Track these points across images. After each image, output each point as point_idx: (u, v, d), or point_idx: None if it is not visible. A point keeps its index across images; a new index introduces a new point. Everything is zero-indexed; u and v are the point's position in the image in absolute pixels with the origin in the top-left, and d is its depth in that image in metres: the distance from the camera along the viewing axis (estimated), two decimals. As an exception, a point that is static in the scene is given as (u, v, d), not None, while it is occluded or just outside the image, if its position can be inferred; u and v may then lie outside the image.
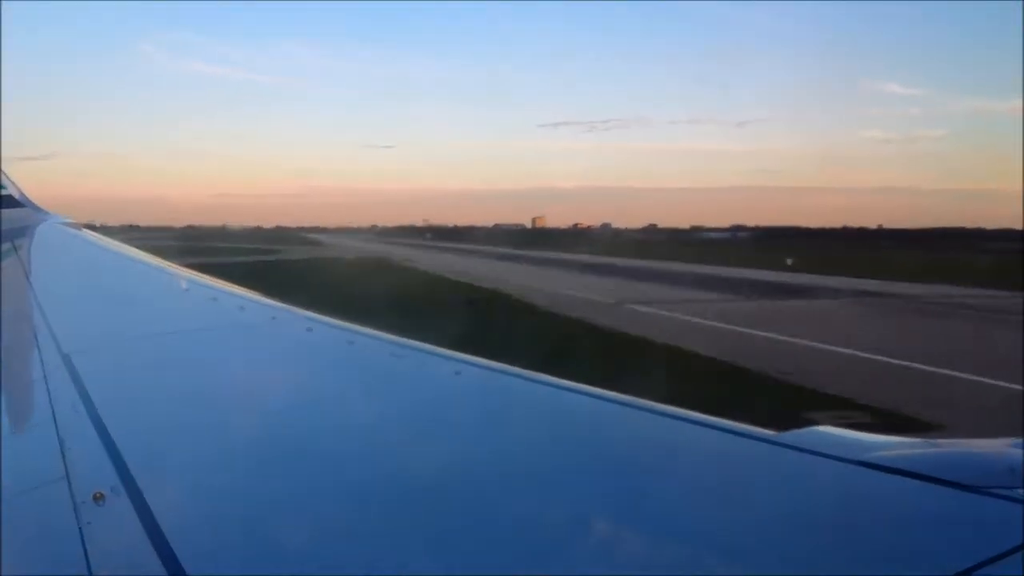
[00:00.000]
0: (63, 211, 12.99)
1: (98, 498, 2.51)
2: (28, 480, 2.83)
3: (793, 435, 2.39)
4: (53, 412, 3.52)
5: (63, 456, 2.96)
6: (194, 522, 2.38)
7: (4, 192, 12.09)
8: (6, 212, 11.83)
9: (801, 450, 2.30)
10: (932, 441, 2.22)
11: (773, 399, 18.00)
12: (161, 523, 2.29)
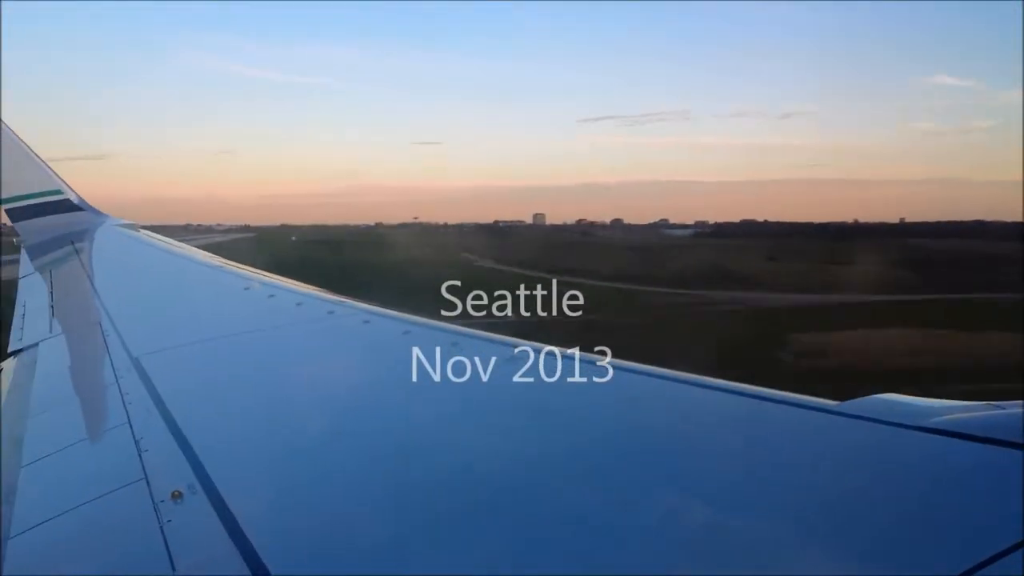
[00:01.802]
0: (112, 209, 13.23)
1: (176, 496, 2.60)
2: (108, 482, 2.94)
3: (855, 404, 2.38)
4: (127, 414, 3.64)
5: (140, 457, 3.07)
6: (272, 518, 2.45)
7: (63, 197, 12.45)
8: (67, 217, 12.19)
9: (864, 419, 2.30)
10: (994, 404, 2.19)
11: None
12: (239, 519, 2.37)
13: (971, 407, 2.21)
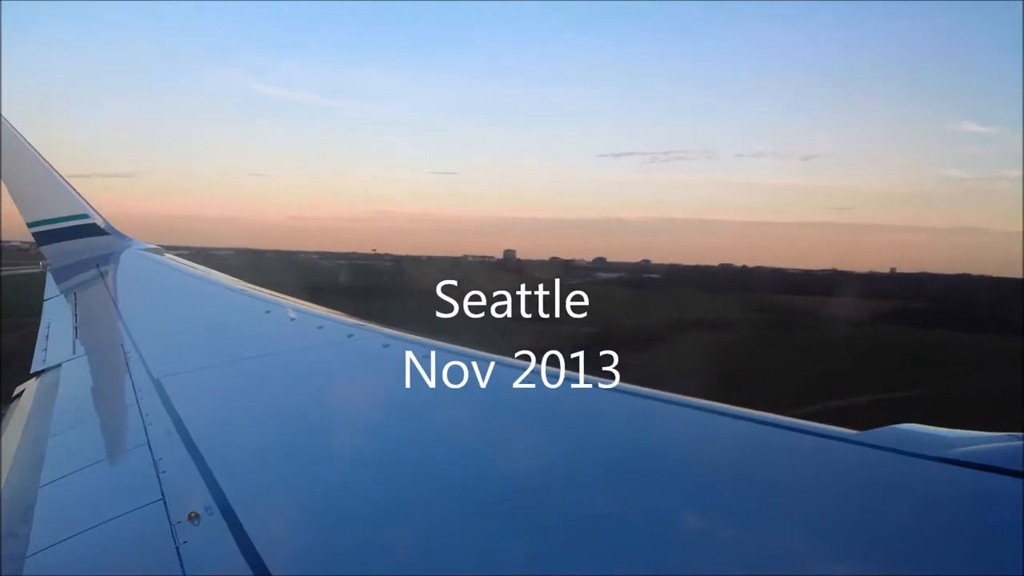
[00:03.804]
0: (141, 227, 13.33)
1: (193, 518, 2.62)
2: (126, 502, 2.95)
3: (875, 433, 2.36)
4: (147, 436, 3.66)
5: (158, 478, 3.08)
6: (289, 540, 2.46)
7: (89, 221, 12.64)
8: (93, 241, 12.36)
9: (884, 449, 2.28)
10: (1015, 435, 2.17)
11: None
12: (256, 541, 2.38)
13: (992, 438, 2.18)
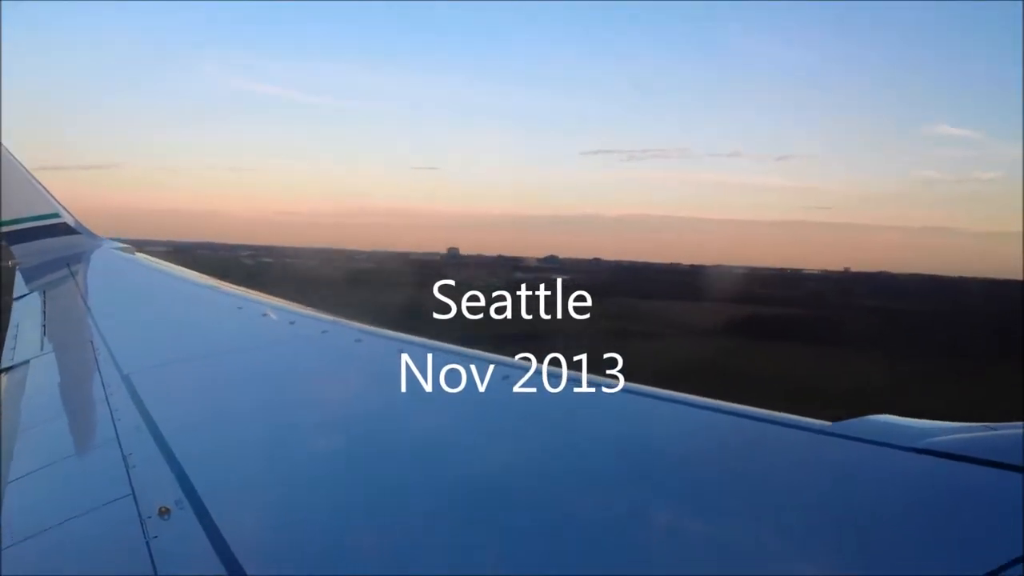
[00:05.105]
0: (117, 219, 13.22)
1: (163, 512, 2.58)
2: (96, 498, 2.91)
3: (848, 424, 2.37)
4: (116, 431, 3.62)
5: (128, 473, 3.05)
6: (259, 534, 2.43)
7: (60, 220, 12.51)
8: (64, 240, 12.23)
9: (857, 439, 2.29)
10: (988, 425, 2.18)
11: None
12: (226, 535, 2.35)
13: (964, 428, 2.20)
